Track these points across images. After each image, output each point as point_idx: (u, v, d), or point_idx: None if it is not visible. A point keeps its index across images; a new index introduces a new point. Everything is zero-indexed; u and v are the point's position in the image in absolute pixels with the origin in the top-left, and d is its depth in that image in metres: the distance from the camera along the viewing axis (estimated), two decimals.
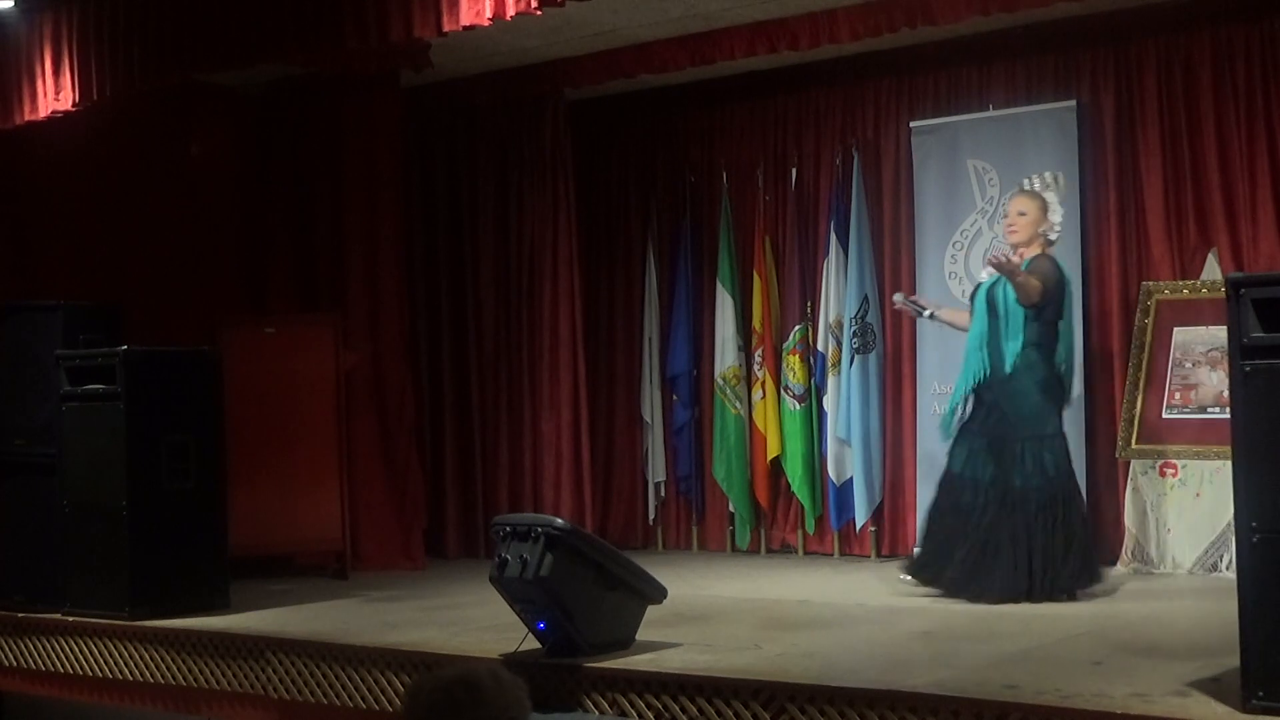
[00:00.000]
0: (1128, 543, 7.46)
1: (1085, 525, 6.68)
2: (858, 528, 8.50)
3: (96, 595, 6.74)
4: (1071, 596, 6.48)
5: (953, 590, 6.55)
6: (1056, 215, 6.81)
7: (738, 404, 8.86)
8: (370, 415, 8.65)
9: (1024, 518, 6.48)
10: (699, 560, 8.73)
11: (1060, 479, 6.58)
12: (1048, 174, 6.99)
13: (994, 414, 6.61)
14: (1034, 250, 6.71)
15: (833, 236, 8.52)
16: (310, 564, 8.48)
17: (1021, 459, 6.52)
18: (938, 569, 6.67)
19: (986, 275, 6.86)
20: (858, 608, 6.54)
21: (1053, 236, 6.80)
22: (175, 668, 6.36)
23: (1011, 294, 6.55)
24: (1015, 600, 6.39)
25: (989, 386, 6.60)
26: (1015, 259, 6.59)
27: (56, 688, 6.87)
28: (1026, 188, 7.00)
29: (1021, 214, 6.75)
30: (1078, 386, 7.83)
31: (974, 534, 6.54)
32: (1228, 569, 6.84)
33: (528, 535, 5.35)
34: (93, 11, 7.14)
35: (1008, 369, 6.56)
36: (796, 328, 8.59)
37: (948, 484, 6.74)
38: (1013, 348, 6.55)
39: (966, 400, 6.72)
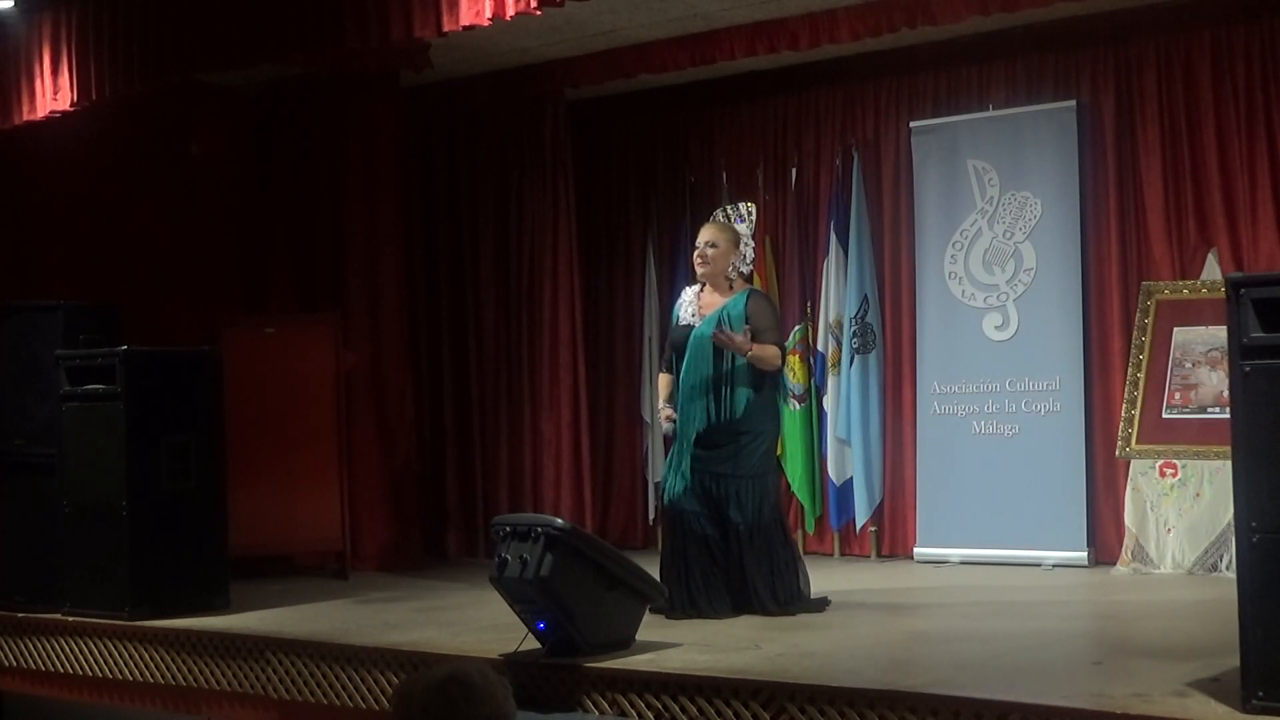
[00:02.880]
0: (1128, 543, 7.46)
1: (788, 556, 6.44)
2: (858, 528, 8.51)
3: (96, 595, 6.74)
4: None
5: (694, 612, 6.22)
6: (748, 248, 6.54)
7: None
8: (370, 415, 8.65)
9: (739, 550, 6.27)
10: None
11: (768, 517, 6.35)
12: (743, 205, 6.72)
13: (720, 454, 6.31)
14: (735, 285, 6.46)
15: (833, 236, 8.52)
16: (310, 564, 8.48)
17: (739, 497, 6.28)
18: (688, 599, 6.27)
19: (695, 318, 6.49)
20: (857, 607, 6.54)
21: (744, 269, 6.55)
22: (175, 668, 6.36)
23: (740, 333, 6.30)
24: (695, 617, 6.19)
25: (716, 430, 6.30)
26: (741, 338, 6.24)
27: (56, 688, 6.86)
28: (719, 219, 6.69)
29: (713, 246, 6.43)
30: (1078, 386, 7.86)
31: (700, 563, 6.28)
32: (1228, 569, 6.84)
33: (528, 535, 5.35)
34: (92, 11, 7.14)
35: (739, 413, 6.29)
36: (796, 328, 8.58)
37: (676, 521, 6.38)
38: (744, 392, 6.30)
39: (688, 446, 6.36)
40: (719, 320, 6.34)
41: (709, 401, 6.32)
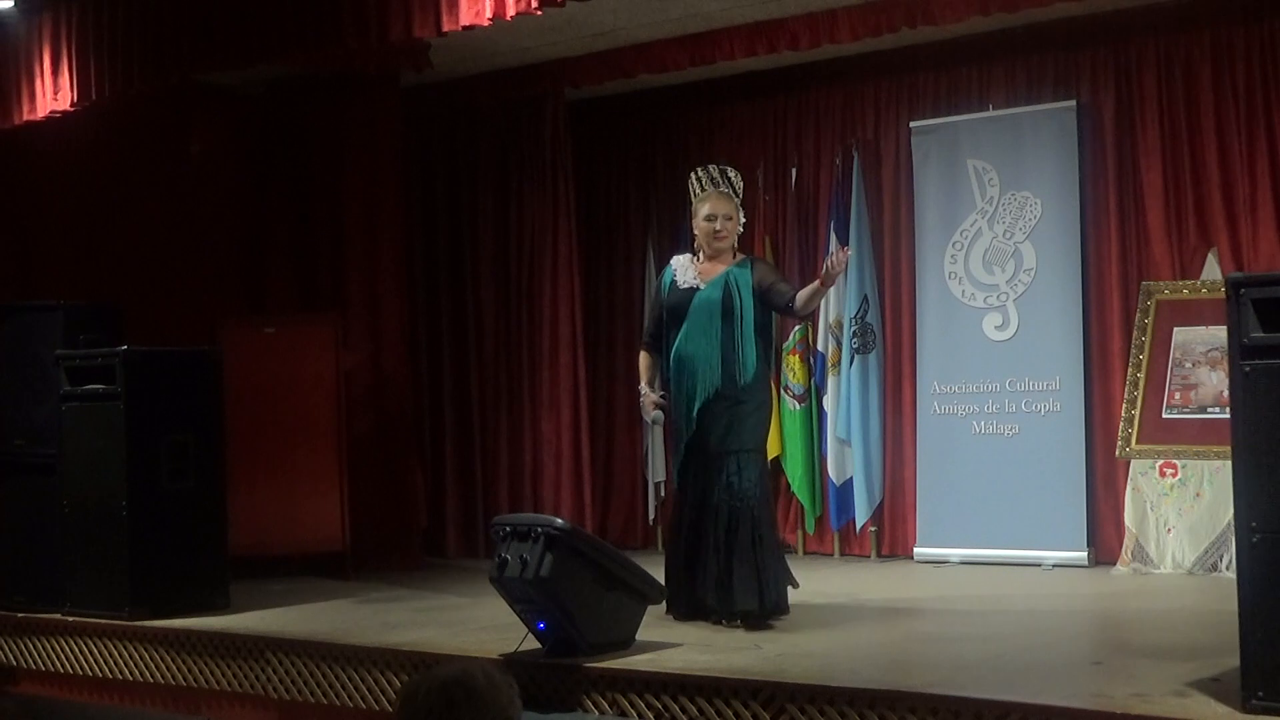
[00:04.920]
0: (1128, 543, 7.46)
1: (764, 549, 6.04)
2: (858, 528, 8.50)
3: (96, 595, 6.73)
4: (746, 622, 5.92)
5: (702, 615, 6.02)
6: (740, 210, 6.34)
7: None
8: (370, 415, 8.66)
9: (715, 534, 6.00)
10: None
11: (753, 498, 6.06)
12: (729, 169, 6.39)
13: (724, 429, 6.09)
14: (735, 253, 6.27)
15: (833, 236, 8.51)
16: (310, 564, 8.48)
17: (725, 473, 6.04)
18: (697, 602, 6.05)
19: (698, 280, 6.24)
20: (858, 608, 6.54)
21: (739, 233, 6.37)
22: (175, 668, 6.36)
23: (748, 299, 6.11)
24: (699, 619, 6.00)
25: (722, 398, 6.08)
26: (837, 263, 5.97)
27: (56, 688, 6.86)
28: (720, 188, 6.31)
29: (728, 218, 6.23)
30: (1078, 386, 7.86)
31: (701, 551, 6.05)
32: (1228, 569, 6.84)
33: (528, 535, 5.35)
34: (92, 11, 7.15)
35: (747, 379, 6.10)
36: (796, 328, 8.56)
37: (690, 525, 6.12)
38: (750, 357, 6.10)
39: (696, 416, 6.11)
40: (759, 277, 6.17)
41: (718, 365, 6.09)
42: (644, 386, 6.32)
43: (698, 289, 6.22)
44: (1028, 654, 5.29)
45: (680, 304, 6.23)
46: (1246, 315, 4.19)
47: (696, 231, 6.33)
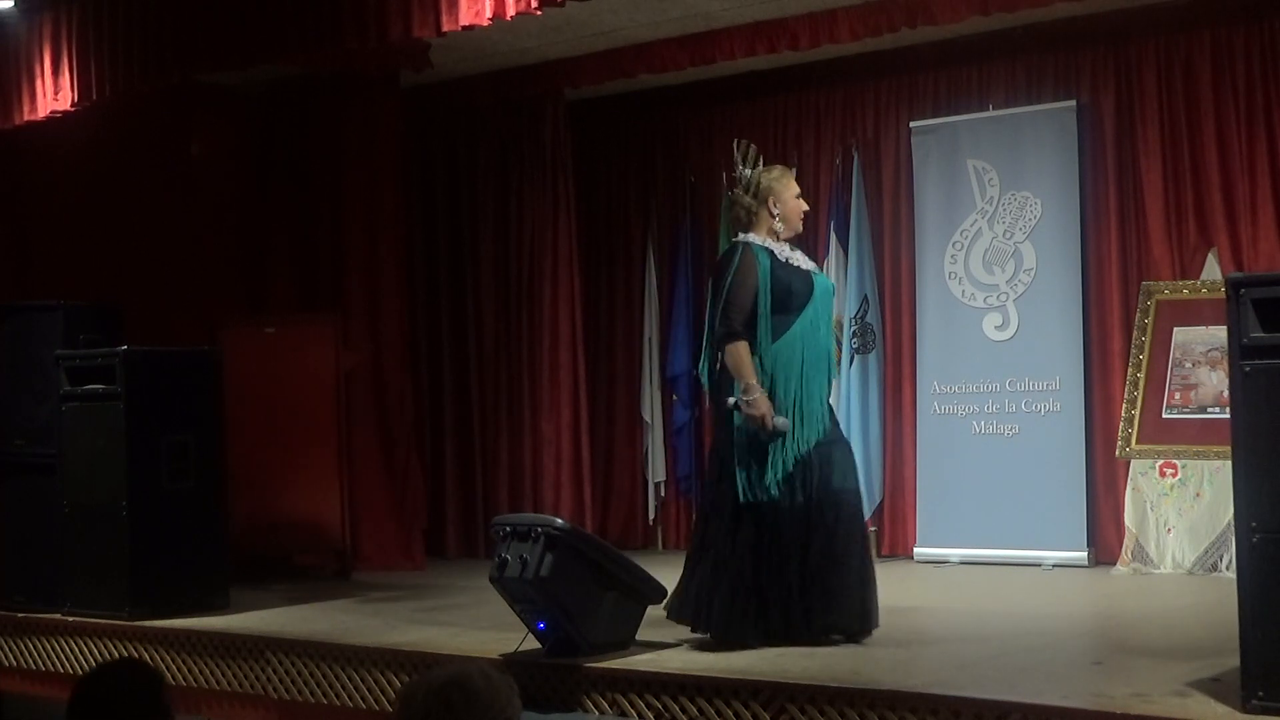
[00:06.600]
0: (1128, 543, 7.46)
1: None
2: None
3: (96, 595, 6.73)
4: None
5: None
6: None
7: None
8: (370, 415, 8.66)
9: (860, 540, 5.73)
10: None
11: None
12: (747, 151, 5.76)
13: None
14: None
15: (833, 236, 8.52)
16: (310, 564, 8.48)
17: (841, 470, 5.72)
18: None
19: (804, 259, 5.70)
20: None
21: None
22: (175, 668, 6.36)
23: None
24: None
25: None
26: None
27: (56, 688, 6.85)
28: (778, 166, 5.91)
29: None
30: (1078, 386, 7.86)
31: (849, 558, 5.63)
32: (1228, 569, 6.84)
33: (528, 535, 5.35)
34: (92, 11, 7.15)
35: None
36: None
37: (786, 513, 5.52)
38: None
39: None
40: None
41: (832, 360, 5.67)
42: (756, 385, 5.39)
43: (813, 272, 5.68)
44: (1028, 654, 5.29)
45: (803, 287, 5.56)
46: (1246, 315, 4.19)
47: (783, 209, 5.62)
